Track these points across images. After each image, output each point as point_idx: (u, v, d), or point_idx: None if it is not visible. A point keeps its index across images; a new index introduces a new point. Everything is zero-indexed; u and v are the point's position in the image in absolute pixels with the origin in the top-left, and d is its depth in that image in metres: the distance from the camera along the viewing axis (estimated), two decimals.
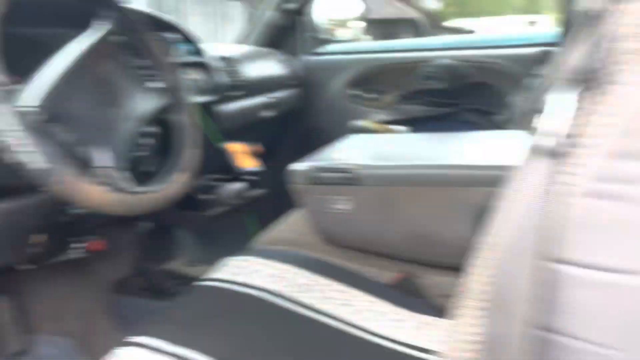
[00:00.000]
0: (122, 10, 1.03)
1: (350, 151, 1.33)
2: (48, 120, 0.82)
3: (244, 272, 1.13)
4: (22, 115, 0.77)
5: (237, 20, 8.87)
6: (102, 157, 0.90)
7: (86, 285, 1.54)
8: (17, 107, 0.76)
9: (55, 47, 1.21)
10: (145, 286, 1.57)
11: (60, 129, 0.86)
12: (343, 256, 1.19)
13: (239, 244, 2.08)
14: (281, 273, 1.11)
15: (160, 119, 1.08)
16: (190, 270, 1.75)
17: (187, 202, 1.47)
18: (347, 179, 1.15)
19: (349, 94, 2.21)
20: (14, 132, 0.75)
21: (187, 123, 1.11)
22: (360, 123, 2.03)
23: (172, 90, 1.11)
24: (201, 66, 1.63)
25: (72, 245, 1.36)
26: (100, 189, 0.84)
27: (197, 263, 1.80)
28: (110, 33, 1.01)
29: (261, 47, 2.24)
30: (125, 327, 1.53)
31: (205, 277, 1.12)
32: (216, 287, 1.07)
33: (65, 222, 1.25)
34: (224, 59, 1.81)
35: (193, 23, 7.96)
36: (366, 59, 2.20)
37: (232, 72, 1.80)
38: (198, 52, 1.65)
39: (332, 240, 1.23)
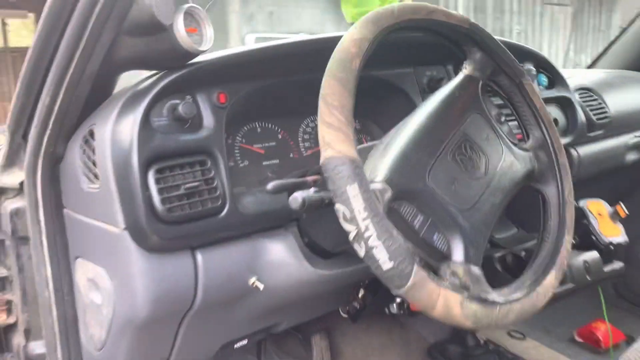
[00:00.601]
0: (489, 45, 0.81)
1: None
2: (395, 198, 0.65)
3: None
4: (370, 195, 0.61)
5: (565, 28, 8.02)
6: (458, 248, 0.69)
7: (399, 343, 1.40)
8: (366, 185, 0.61)
9: (398, 88, 1.09)
10: (459, 356, 1.35)
11: (409, 209, 0.68)
12: None
13: (577, 324, 1.71)
14: None
15: (526, 189, 0.83)
16: (511, 344, 1.46)
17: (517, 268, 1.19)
18: None
19: None
20: (364, 219, 0.59)
21: (566, 196, 0.82)
22: None
23: (546, 148, 0.84)
24: (560, 101, 1.32)
25: (395, 301, 1.23)
26: (457, 298, 0.63)
27: (520, 336, 1.50)
28: (472, 78, 0.80)
29: (628, 71, 1.78)
30: None
31: None
32: None
33: None
34: (583, 89, 1.45)
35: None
36: None
37: (594, 107, 1.43)
38: (556, 83, 1.34)
39: None
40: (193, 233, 0.77)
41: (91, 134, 0.77)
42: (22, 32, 7.53)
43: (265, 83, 0.88)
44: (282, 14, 5.75)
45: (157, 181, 0.73)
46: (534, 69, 1.25)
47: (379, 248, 0.59)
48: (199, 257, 0.79)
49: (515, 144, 0.82)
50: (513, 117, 0.87)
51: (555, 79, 1.33)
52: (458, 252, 0.69)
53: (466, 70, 0.82)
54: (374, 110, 1.11)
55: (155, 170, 0.73)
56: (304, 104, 1.02)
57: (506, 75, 0.84)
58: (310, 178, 0.82)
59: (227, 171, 0.80)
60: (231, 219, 0.80)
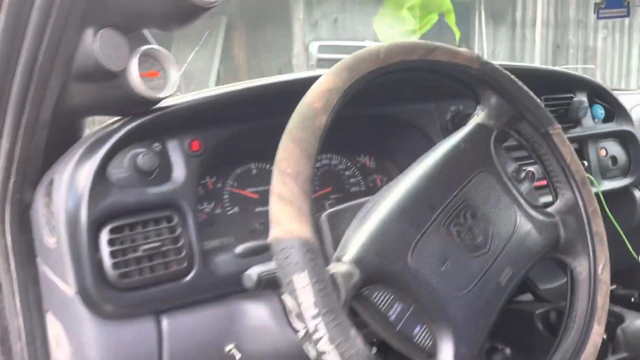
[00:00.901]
0: (506, 88, 0.67)
1: None
2: (365, 283, 0.54)
3: None
4: (324, 286, 0.49)
5: None
6: (446, 346, 0.56)
7: None
8: (320, 273, 0.49)
9: (415, 127, 0.96)
10: None
11: (385, 295, 0.56)
12: None
13: None
14: None
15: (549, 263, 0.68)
16: None
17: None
18: None
19: None
20: (314, 316, 0.48)
21: (599, 274, 0.67)
22: None
23: (576, 213, 0.69)
24: (621, 136, 1.14)
25: None
26: None
27: None
28: (485, 127, 0.67)
29: None
30: None
31: None
32: None
33: None
34: None
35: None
36: None
37: None
38: (616, 115, 1.16)
39: None
40: (154, 299, 0.69)
41: (52, 183, 0.71)
42: None
43: (250, 126, 0.79)
44: (347, 20, 5.67)
45: (111, 242, 0.66)
46: (586, 100, 1.08)
47: (331, 354, 0.48)
48: (165, 322, 0.71)
49: (535, 207, 0.68)
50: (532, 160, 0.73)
51: (615, 109, 1.15)
52: (445, 351, 0.56)
53: (478, 117, 0.69)
54: (389, 147, 0.99)
55: (110, 230, 0.66)
56: None
57: (529, 123, 0.69)
58: None
59: (197, 227, 0.72)
60: (200, 281, 0.71)
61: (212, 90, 0.76)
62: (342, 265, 0.53)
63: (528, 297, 1.24)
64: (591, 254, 0.68)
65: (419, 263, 0.57)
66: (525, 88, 0.69)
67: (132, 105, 0.66)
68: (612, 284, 1.17)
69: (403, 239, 0.58)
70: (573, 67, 6.35)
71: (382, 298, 0.57)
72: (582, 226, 0.68)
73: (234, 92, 0.75)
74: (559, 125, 0.70)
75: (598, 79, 1.24)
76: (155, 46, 0.65)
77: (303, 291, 0.49)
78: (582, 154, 1.10)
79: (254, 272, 0.59)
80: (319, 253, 0.51)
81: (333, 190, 0.95)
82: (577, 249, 0.68)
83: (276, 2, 5.48)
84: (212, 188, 0.85)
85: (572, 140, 1.09)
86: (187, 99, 0.72)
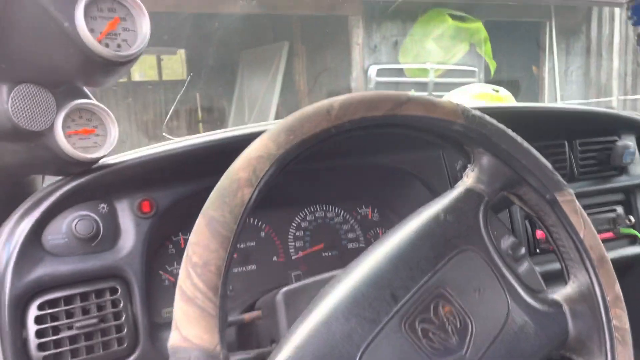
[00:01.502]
0: (500, 145, 0.55)
1: None
2: None
3: None
4: None
5: None
6: None
7: None
8: None
9: (417, 177, 0.84)
10: None
11: None
12: None
13: None
14: None
15: None
16: None
17: None
18: None
19: None
20: None
21: None
22: None
23: (591, 301, 0.55)
24: None
25: None
26: None
27: None
28: (473, 193, 0.55)
29: None
30: None
31: None
32: None
33: None
34: None
35: None
36: None
37: None
38: None
39: None
40: None
41: None
42: (174, 66, 8.20)
43: (213, 181, 0.70)
44: (408, 42, 5.54)
45: (39, 319, 0.59)
46: (633, 143, 0.91)
47: None
48: None
49: (536, 294, 0.54)
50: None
51: None
52: None
53: (467, 179, 0.57)
54: (393, 198, 0.88)
55: (39, 305, 0.59)
56: (300, 192, 0.83)
57: (531, 188, 0.56)
58: (247, 316, 0.63)
59: (144, 300, 0.64)
60: None
61: (164, 144, 0.68)
62: None
63: None
64: (609, 356, 0.53)
65: None
66: (527, 145, 0.56)
67: (67, 165, 0.60)
68: None
69: (350, 340, 0.46)
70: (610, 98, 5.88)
71: None
72: (599, 319, 0.54)
73: (187, 147, 0.67)
74: (571, 191, 0.56)
75: None
76: (90, 101, 0.58)
77: None
78: (629, 206, 0.93)
79: None
80: None
81: (326, 247, 0.85)
82: (591, 348, 0.54)
83: (336, 27, 5.46)
84: (184, 246, 0.77)
85: (617, 190, 0.93)
86: (136, 155, 0.65)
